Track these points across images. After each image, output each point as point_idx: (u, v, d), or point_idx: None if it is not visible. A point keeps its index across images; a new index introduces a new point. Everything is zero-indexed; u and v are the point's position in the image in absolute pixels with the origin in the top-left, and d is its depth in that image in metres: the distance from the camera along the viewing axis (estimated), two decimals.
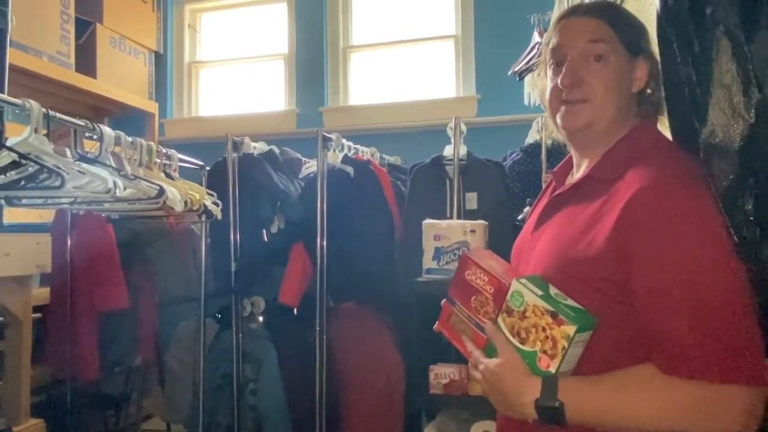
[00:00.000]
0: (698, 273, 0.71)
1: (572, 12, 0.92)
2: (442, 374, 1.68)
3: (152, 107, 3.42)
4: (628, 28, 0.89)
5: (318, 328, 2.12)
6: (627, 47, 0.87)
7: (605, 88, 0.85)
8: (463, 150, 2.14)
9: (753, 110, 0.73)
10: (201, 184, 2.16)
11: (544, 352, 0.78)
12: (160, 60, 3.58)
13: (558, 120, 0.90)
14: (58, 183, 1.20)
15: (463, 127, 2.16)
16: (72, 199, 1.37)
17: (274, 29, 3.57)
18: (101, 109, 3.32)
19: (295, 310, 2.29)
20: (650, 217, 0.74)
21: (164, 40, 3.59)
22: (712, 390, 0.69)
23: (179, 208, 1.52)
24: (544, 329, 0.78)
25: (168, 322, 2.50)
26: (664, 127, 0.91)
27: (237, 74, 3.68)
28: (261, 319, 2.36)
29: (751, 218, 0.73)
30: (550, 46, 0.91)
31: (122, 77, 3.25)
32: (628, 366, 0.76)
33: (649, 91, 0.89)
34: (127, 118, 3.37)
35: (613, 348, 0.78)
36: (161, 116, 3.52)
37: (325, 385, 2.12)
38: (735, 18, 0.76)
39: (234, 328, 2.25)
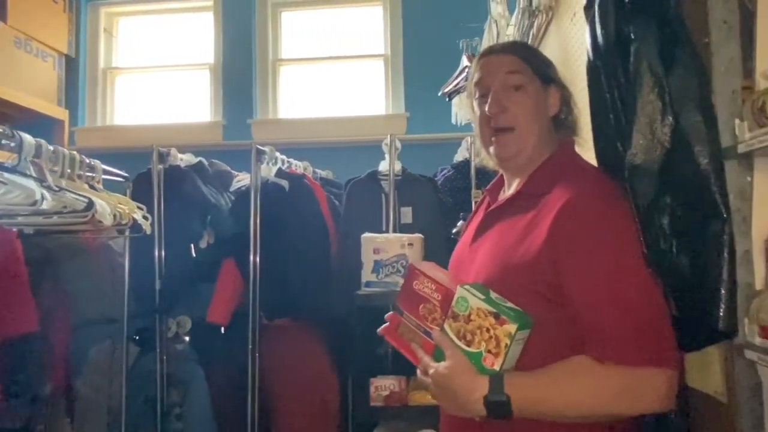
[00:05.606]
0: (618, 274, 0.83)
1: (490, 51, 1.07)
2: (382, 386, 1.70)
3: (62, 114, 3.18)
4: (538, 62, 1.03)
5: (251, 347, 2.06)
6: (540, 77, 1.01)
7: (526, 113, 0.98)
8: (398, 166, 2.19)
9: (669, 137, 0.84)
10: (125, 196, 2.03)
11: (489, 351, 0.84)
12: (72, 64, 3.34)
13: (491, 150, 1.01)
14: None
15: (398, 144, 2.21)
16: None
17: (199, 38, 3.46)
18: (1, 114, 3.03)
19: (224, 329, 2.21)
20: (576, 226, 0.85)
21: (77, 44, 3.37)
22: (636, 373, 0.80)
23: (108, 222, 1.43)
24: (488, 330, 0.84)
25: (80, 347, 2.30)
26: (584, 150, 1.02)
27: (158, 83, 3.52)
28: (187, 339, 2.25)
29: (668, 232, 0.83)
30: (474, 80, 1.03)
31: (27, 81, 3.00)
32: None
33: (562, 115, 1.03)
34: (32, 125, 3.08)
35: (549, 345, 0.86)
36: (72, 124, 3.28)
37: (257, 407, 2.05)
38: (655, 55, 0.87)
39: (158, 350, 2.12)
